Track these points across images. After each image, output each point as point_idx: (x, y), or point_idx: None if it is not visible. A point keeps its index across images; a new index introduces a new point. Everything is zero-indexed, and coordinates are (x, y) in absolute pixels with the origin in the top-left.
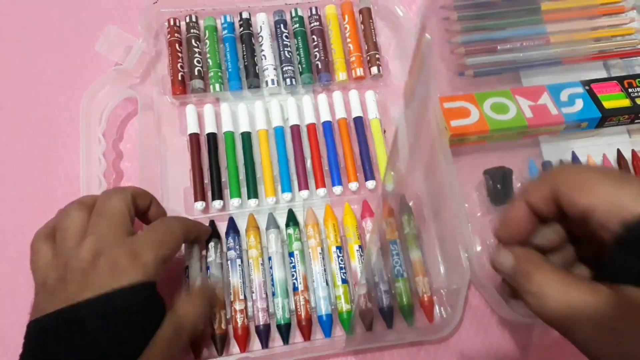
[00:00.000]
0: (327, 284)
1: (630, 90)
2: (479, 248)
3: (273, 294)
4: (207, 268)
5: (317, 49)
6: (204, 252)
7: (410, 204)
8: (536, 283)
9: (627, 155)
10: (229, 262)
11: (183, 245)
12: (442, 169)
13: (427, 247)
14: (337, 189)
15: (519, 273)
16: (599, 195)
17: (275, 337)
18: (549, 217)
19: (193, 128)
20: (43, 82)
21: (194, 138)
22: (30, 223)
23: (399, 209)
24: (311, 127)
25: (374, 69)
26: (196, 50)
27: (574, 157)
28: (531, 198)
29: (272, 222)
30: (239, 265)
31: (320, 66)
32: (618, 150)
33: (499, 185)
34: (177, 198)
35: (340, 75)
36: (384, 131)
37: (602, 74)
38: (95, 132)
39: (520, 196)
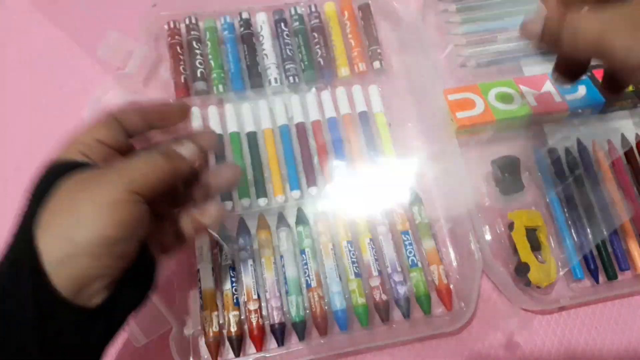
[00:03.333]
0: (340, 279)
1: None
2: (489, 237)
3: (287, 292)
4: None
5: (318, 46)
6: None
7: (421, 194)
8: (571, 19)
9: (632, 139)
10: (241, 262)
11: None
12: (450, 161)
13: (440, 237)
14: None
15: (551, 15)
16: None
17: (292, 335)
18: None
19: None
20: (46, 91)
21: None
22: None
23: (410, 200)
24: (316, 124)
25: (376, 63)
26: (197, 52)
27: (579, 143)
28: None
29: (282, 221)
30: (251, 265)
31: (322, 63)
32: (622, 135)
33: (507, 174)
34: None
35: (343, 71)
36: (390, 124)
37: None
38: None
39: None
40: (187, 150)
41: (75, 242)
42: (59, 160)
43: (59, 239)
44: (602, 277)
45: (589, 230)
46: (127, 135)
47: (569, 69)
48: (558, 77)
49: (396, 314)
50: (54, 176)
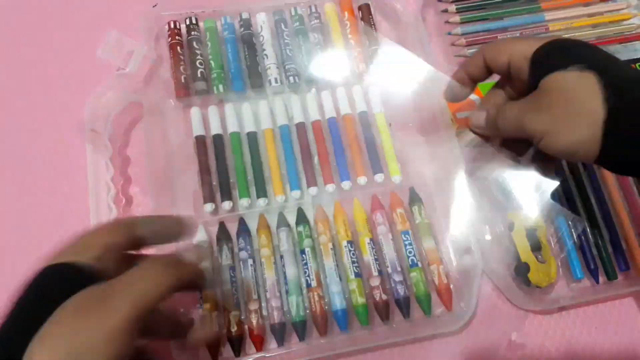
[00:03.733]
0: (340, 278)
1: None
2: (489, 237)
3: (287, 292)
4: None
5: (318, 46)
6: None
7: (421, 195)
8: (501, 109)
9: None
10: (240, 262)
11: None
12: (450, 160)
13: (440, 238)
14: (346, 184)
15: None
16: (513, 51)
17: (292, 335)
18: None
19: (199, 130)
20: (45, 90)
21: (200, 140)
22: (35, 227)
23: (409, 200)
24: (316, 124)
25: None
26: (198, 52)
27: None
28: (469, 68)
29: (282, 221)
30: (251, 265)
31: (322, 63)
32: None
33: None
34: (187, 201)
35: (343, 71)
36: (390, 124)
37: None
38: (101, 139)
39: (461, 68)
40: (194, 253)
41: None
42: (63, 263)
43: None
44: (602, 277)
45: (589, 230)
46: (135, 245)
47: (515, 147)
48: (508, 155)
49: (396, 314)
50: (53, 282)
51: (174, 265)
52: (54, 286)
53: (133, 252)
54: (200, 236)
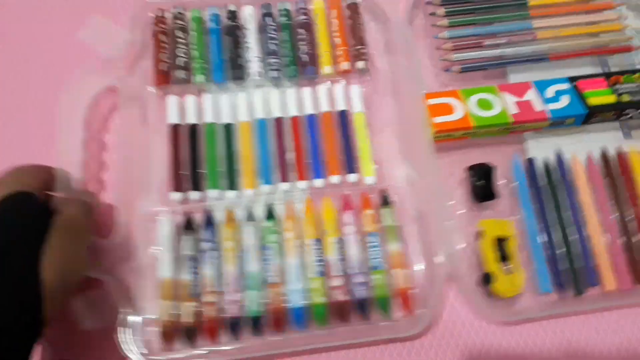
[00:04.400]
0: (302, 277)
1: (616, 86)
2: (462, 245)
3: (246, 287)
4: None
5: (303, 42)
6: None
7: (393, 198)
8: None
9: (613, 153)
10: (202, 254)
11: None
12: (425, 165)
13: (407, 242)
14: (319, 182)
15: None
16: None
17: (247, 331)
18: None
19: (174, 118)
20: (25, 69)
21: (174, 129)
22: None
23: (381, 201)
24: (294, 120)
25: (360, 64)
26: (181, 41)
27: (559, 154)
28: None
29: (250, 215)
30: (213, 257)
31: (306, 59)
32: (603, 148)
33: (481, 182)
34: (155, 189)
35: (326, 68)
36: (368, 125)
37: (593, 70)
38: (75, 122)
39: None
40: (90, 196)
41: (65, 278)
42: (28, 192)
43: (57, 274)
44: (569, 292)
45: (559, 243)
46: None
47: None
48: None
49: (356, 316)
50: (35, 209)
51: (90, 204)
52: (29, 210)
53: None
54: (164, 224)
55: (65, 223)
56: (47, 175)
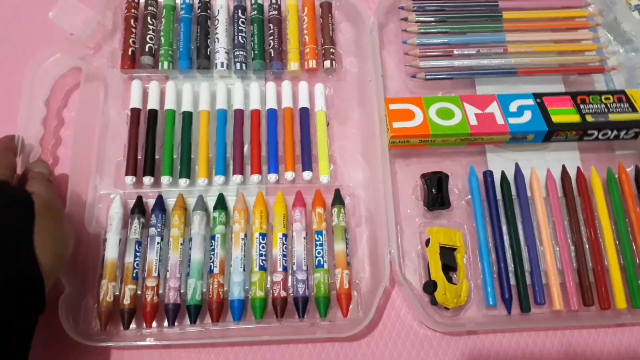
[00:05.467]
0: (244, 269)
1: (582, 106)
2: (407, 250)
3: (188, 275)
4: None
5: (272, 37)
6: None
7: (347, 199)
8: None
9: (573, 173)
10: (148, 238)
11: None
12: (379, 169)
13: (356, 243)
14: (273, 177)
15: None
16: None
17: (184, 318)
18: None
19: (135, 103)
20: None
21: (135, 113)
22: None
23: (333, 201)
24: (255, 113)
25: (327, 63)
26: (150, 27)
27: (517, 169)
28: None
29: (199, 204)
30: (158, 243)
31: (273, 54)
32: (563, 167)
33: (434, 190)
34: (109, 170)
35: (293, 65)
36: (328, 124)
37: (559, 88)
38: (37, 99)
39: None
40: (46, 167)
41: (59, 256)
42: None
43: (51, 254)
44: (516, 309)
45: (509, 258)
46: None
47: None
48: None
49: (293, 313)
50: (9, 196)
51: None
52: (10, 198)
53: None
54: (115, 206)
55: (45, 205)
56: (10, 155)
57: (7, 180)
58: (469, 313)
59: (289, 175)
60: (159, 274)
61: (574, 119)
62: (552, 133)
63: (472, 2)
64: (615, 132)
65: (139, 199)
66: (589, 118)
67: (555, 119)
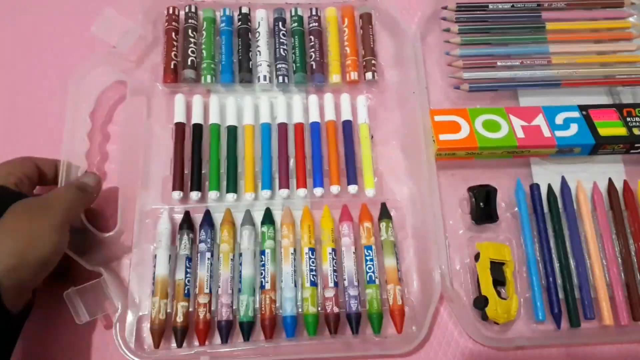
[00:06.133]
0: (295, 285)
1: (628, 119)
2: (454, 265)
3: (239, 291)
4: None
5: (313, 50)
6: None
7: (392, 212)
8: None
9: (619, 186)
10: (198, 254)
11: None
12: (426, 182)
13: (403, 257)
14: (318, 191)
15: None
16: None
17: (237, 335)
18: None
19: (180, 117)
20: (37, 58)
21: (179, 127)
22: None
23: (379, 215)
24: (299, 127)
25: (369, 75)
26: (192, 40)
27: (563, 183)
28: None
29: (247, 219)
30: (209, 258)
31: (314, 67)
32: (610, 180)
33: (481, 203)
34: (156, 185)
35: (334, 77)
36: (372, 136)
37: (603, 100)
38: (82, 112)
39: None
40: (91, 178)
41: (24, 257)
42: None
43: (11, 254)
44: (565, 323)
45: (558, 272)
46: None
47: None
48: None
49: (347, 329)
50: None
51: (83, 188)
52: None
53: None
54: (163, 222)
55: (24, 205)
56: (31, 168)
57: (4, 185)
58: (517, 327)
59: (335, 189)
60: (210, 290)
61: (621, 131)
62: (599, 146)
63: (515, 13)
64: None
65: (187, 214)
66: (636, 131)
67: (603, 131)
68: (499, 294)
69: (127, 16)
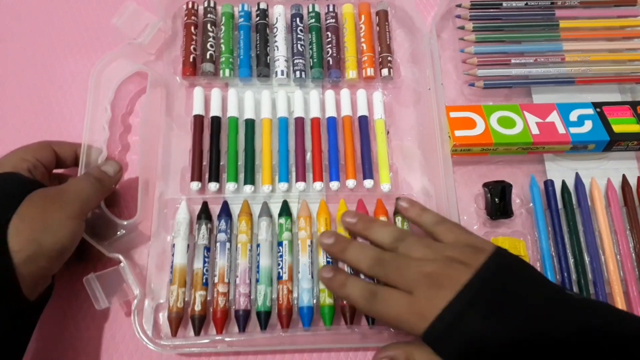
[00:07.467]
0: (312, 276)
1: None
2: None
3: (257, 281)
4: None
5: (330, 45)
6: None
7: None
8: None
9: (633, 182)
10: (217, 244)
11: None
12: (441, 178)
13: None
14: (334, 185)
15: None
16: None
17: (254, 324)
18: None
19: (198, 109)
20: (59, 50)
21: (198, 119)
22: None
23: (395, 210)
24: (315, 121)
25: (385, 71)
26: (210, 34)
27: (577, 179)
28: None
29: (265, 210)
30: (227, 248)
31: (331, 62)
32: (623, 176)
33: (497, 199)
34: (175, 176)
35: (351, 73)
36: (388, 132)
37: (616, 97)
38: (102, 101)
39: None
40: (112, 167)
41: (42, 245)
42: (10, 172)
43: (28, 242)
44: None
45: (572, 268)
46: (57, 163)
47: None
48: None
49: (363, 320)
50: (11, 186)
51: (101, 179)
52: (9, 188)
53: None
54: (181, 212)
55: (41, 194)
56: (46, 153)
57: (13, 172)
58: None
59: (351, 183)
60: (228, 280)
61: (635, 128)
62: (614, 143)
63: (529, 11)
64: None
65: (205, 204)
66: None
67: (617, 128)
68: None
69: (148, 10)
